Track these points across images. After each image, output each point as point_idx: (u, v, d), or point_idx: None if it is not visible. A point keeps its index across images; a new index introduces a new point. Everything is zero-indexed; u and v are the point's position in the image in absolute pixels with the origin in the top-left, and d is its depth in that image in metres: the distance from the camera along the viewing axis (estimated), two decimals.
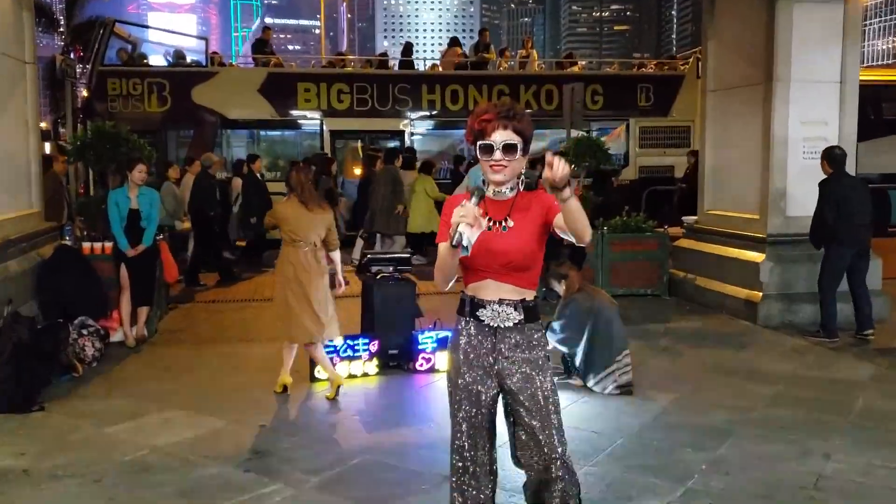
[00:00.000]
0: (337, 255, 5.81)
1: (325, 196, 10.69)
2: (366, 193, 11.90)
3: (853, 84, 8.14)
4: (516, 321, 2.73)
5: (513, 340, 2.75)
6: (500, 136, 2.62)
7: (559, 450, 2.70)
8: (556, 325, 5.70)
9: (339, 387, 5.61)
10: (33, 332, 5.72)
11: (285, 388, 5.70)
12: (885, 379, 6.06)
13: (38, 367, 5.59)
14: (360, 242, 11.63)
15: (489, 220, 2.68)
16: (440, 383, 5.92)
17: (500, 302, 2.72)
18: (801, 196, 8.01)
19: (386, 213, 11.11)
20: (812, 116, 8.09)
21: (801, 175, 8.06)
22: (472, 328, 2.77)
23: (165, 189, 10.32)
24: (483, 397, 2.77)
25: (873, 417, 5.17)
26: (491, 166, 2.65)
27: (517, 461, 2.84)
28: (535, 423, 2.70)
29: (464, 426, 2.78)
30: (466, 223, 2.46)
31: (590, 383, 5.64)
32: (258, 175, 12.20)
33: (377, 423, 5.17)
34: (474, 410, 2.77)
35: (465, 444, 2.79)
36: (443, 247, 2.62)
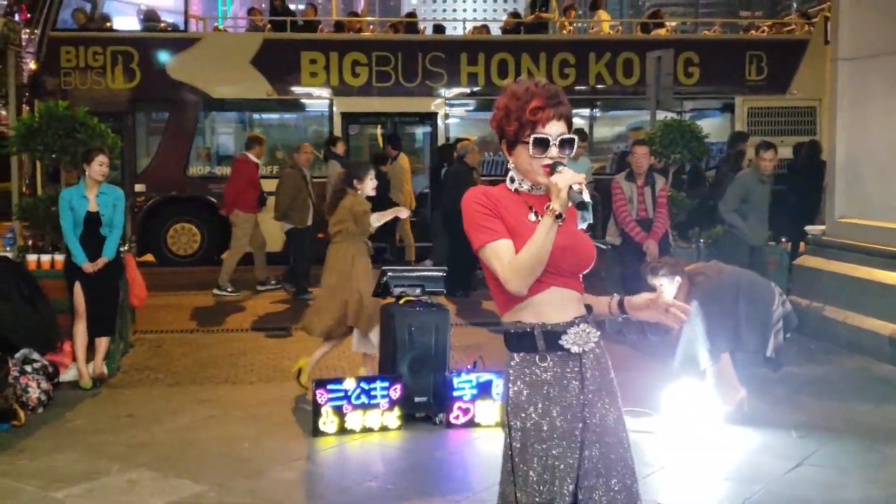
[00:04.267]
0: None
1: None
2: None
3: None
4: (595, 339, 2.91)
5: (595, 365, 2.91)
6: (555, 129, 2.81)
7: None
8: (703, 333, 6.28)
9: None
10: None
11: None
12: None
13: None
14: None
15: (537, 214, 2.84)
16: (481, 442, 5.94)
17: (577, 322, 2.87)
18: None
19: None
20: None
21: None
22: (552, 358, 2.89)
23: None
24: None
25: None
26: (543, 166, 2.80)
27: None
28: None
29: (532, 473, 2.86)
30: (578, 182, 2.67)
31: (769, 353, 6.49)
32: None
33: (399, 491, 5.18)
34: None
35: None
36: (542, 227, 2.70)
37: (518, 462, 2.85)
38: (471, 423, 6.19)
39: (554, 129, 2.80)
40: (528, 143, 2.80)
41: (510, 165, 2.92)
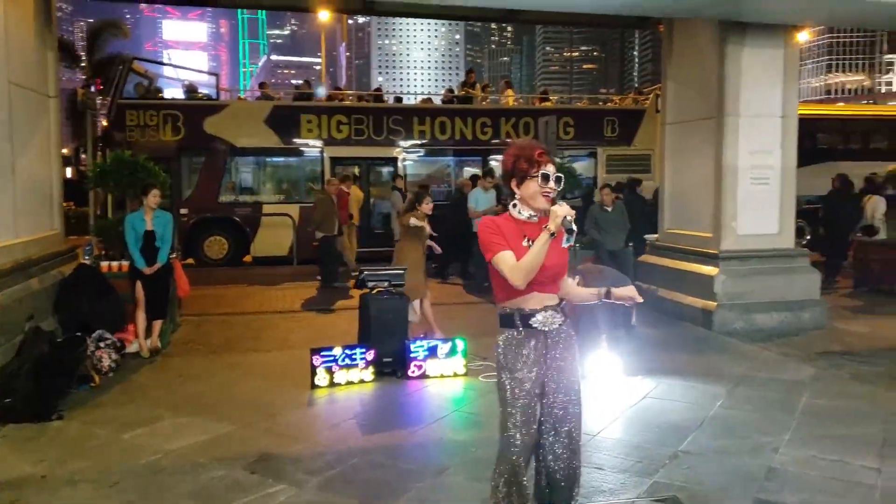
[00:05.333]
0: None
1: None
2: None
3: (793, 118, 8.26)
4: (560, 323, 2.87)
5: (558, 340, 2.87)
6: (551, 169, 2.81)
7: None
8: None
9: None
10: (53, 346, 5.62)
11: None
12: (824, 379, 6.08)
13: (57, 378, 5.45)
14: None
15: (528, 240, 2.79)
16: (431, 388, 5.87)
17: (545, 309, 2.83)
18: (749, 217, 8.09)
19: None
20: (758, 147, 8.16)
21: (748, 199, 8.14)
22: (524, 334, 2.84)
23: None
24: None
25: (815, 414, 5.19)
26: (543, 193, 2.78)
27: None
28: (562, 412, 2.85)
29: (519, 416, 2.82)
30: (570, 213, 2.64)
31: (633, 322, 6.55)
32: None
33: (373, 425, 5.08)
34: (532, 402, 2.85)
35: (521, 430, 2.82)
36: (540, 240, 2.66)
37: (507, 405, 2.82)
38: (423, 376, 6.10)
39: (551, 169, 2.80)
40: (536, 177, 2.77)
41: (517, 198, 2.85)
